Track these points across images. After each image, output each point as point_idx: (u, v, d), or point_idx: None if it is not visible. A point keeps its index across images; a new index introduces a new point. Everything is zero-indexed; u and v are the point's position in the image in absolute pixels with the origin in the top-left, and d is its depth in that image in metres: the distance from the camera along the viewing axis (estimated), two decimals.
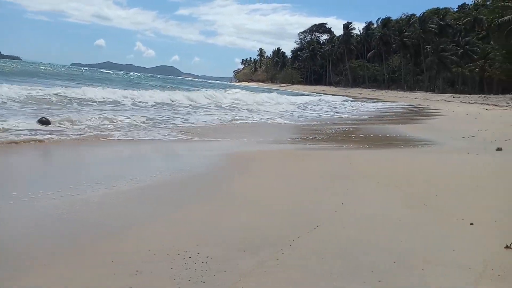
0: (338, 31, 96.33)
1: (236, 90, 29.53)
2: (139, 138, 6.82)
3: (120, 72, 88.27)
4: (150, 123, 8.91)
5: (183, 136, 7.57)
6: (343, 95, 49.67)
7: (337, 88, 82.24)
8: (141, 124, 8.47)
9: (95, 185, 3.70)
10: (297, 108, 20.16)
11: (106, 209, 3.21)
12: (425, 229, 2.73)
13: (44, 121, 7.02)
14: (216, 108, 15.76)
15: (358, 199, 3.54)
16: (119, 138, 6.66)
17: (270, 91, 37.39)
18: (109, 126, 7.66)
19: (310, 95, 39.61)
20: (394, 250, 2.42)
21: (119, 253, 2.41)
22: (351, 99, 37.78)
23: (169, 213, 3.19)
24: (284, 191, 3.83)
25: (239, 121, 11.56)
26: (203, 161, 5.36)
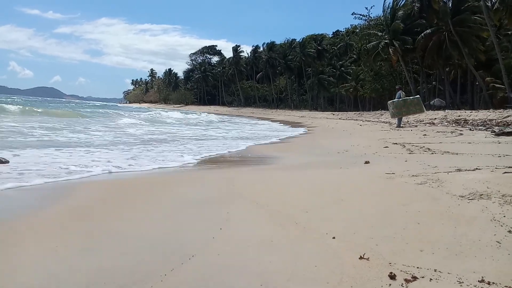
0: (228, 53, 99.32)
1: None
2: None
3: None
4: None
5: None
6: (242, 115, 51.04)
7: (230, 108, 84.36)
8: None
9: None
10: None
11: None
12: (293, 247, 2.88)
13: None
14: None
15: (237, 223, 3.60)
16: None
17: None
18: None
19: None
20: (263, 272, 2.49)
21: None
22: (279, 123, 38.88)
23: (29, 255, 2.85)
24: (157, 222, 3.72)
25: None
26: (59, 191, 4.96)
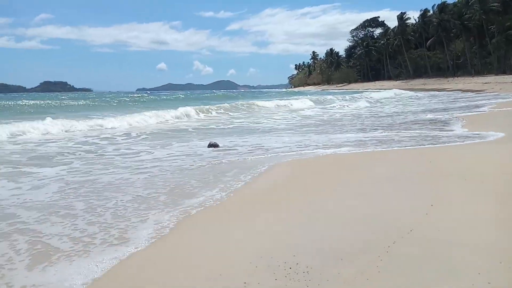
0: (392, 23, 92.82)
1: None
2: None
3: (182, 92, 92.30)
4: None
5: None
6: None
7: (397, 81, 79.03)
8: None
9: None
10: None
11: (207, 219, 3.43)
12: None
13: (213, 145, 7.90)
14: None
15: (448, 199, 3.46)
16: None
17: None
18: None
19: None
20: (497, 249, 2.36)
21: (225, 265, 2.59)
22: None
23: (260, 223, 3.35)
24: (364, 198, 3.84)
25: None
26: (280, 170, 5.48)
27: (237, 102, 23.30)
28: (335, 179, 4.75)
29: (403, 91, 39.54)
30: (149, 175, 5.34)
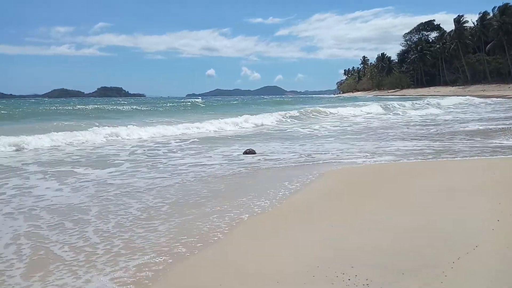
0: (448, 26, 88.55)
1: None
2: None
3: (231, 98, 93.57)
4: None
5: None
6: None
7: (454, 87, 75.29)
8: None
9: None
10: None
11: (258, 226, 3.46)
12: None
13: (250, 152, 7.88)
14: None
15: None
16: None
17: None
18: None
19: None
20: None
21: (281, 273, 2.60)
22: None
23: (314, 232, 3.32)
24: (423, 209, 3.69)
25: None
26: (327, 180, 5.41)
27: (302, 109, 22.08)
28: (392, 189, 4.62)
29: (472, 98, 37.47)
30: (193, 180, 5.47)
